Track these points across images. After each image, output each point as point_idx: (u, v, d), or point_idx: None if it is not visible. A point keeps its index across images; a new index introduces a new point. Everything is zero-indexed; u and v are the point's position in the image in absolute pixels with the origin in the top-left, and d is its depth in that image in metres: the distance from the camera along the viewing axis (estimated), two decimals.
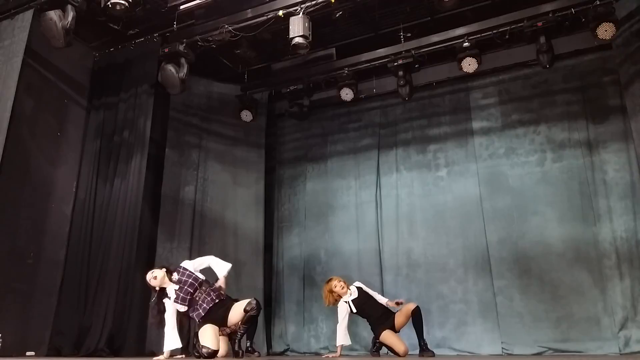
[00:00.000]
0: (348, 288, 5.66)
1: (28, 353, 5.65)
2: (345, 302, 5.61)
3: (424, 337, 5.41)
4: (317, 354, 7.07)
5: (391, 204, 7.37)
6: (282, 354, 7.25)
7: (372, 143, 7.75)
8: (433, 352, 5.41)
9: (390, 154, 7.58)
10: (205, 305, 4.45)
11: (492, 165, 6.89)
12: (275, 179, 8.30)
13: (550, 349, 5.97)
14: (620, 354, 5.60)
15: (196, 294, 4.48)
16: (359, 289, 5.73)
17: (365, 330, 6.31)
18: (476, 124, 7.13)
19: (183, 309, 4.51)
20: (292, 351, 7.31)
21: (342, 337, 5.52)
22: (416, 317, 5.41)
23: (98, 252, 6.15)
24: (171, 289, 4.50)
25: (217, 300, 4.49)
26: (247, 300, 4.40)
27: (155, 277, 4.49)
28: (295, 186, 8.17)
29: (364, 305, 5.64)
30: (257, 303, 4.36)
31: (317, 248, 7.67)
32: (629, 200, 6.03)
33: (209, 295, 4.49)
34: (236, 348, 4.55)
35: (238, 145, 7.78)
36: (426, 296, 6.67)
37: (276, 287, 7.79)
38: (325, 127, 8.20)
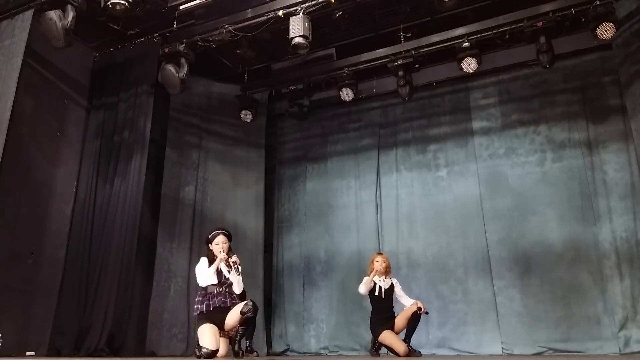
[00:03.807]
0: (385, 275, 5.67)
1: (28, 353, 5.64)
2: (374, 282, 5.64)
3: (411, 339, 5.45)
4: (317, 354, 7.07)
5: (391, 204, 7.37)
6: (282, 354, 7.24)
7: (372, 143, 7.75)
8: (419, 352, 5.50)
9: (390, 154, 7.58)
10: (216, 300, 4.42)
11: (492, 165, 6.89)
12: (275, 179, 8.30)
13: (550, 349, 5.97)
14: (620, 354, 5.60)
15: (219, 287, 4.47)
16: (393, 286, 5.71)
17: (366, 332, 6.30)
18: (476, 124, 7.13)
19: (212, 279, 4.49)
20: (292, 351, 7.30)
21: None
22: (413, 319, 5.42)
23: (98, 252, 6.15)
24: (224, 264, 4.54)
25: (229, 305, 4.46)
26: (243, 302, 4.39)
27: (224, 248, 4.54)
28: (295, 186, 8.17)
29: (382, 299, 5.63)
30: (254, 304, 4.33)
31: (317, 248, 7.67)
32: (629, 200, 6.03)
33: (225, 297, 4.48)
34: (236, 348, 4.54)
35: (238, 145, 7.78)
36: (426, 296, 6.65)
37: (276, 287, 7.79)
38: (325, 127, 8.19)
